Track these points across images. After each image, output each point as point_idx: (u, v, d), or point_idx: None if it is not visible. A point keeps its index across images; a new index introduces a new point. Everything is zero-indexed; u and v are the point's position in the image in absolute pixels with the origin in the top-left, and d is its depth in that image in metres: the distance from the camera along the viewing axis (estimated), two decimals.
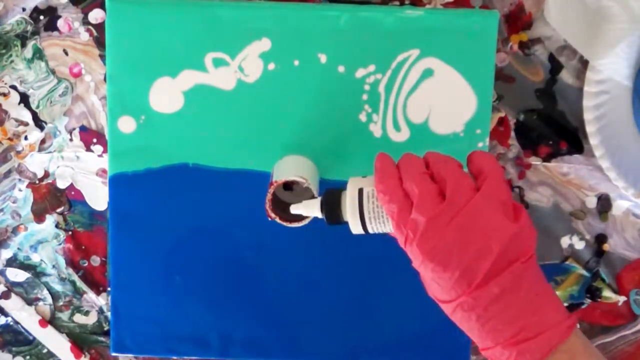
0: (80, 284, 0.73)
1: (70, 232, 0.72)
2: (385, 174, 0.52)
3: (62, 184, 0.71)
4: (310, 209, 0.56)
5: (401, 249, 0.70)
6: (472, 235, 0.48)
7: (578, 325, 0.50)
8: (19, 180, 0.71)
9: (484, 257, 0.48)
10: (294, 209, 0.57)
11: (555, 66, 0.69)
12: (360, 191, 0.53)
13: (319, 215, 0.56)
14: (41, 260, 0.73)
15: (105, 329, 0.74)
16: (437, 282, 0.50)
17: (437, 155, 0.53)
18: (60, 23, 0.69)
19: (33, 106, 0.70)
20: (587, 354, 0.49)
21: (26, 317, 0.74)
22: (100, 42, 0.69)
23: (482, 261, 0.48)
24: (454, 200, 0.49)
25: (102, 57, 0.69)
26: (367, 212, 0.53)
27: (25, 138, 0.71)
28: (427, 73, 0.66)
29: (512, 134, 0.70)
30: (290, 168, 0.64)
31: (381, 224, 0.53)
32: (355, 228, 0.54)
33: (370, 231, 0.54)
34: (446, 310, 0.51)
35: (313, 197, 0.61)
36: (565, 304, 0.73)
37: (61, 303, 0.74)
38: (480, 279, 0.48)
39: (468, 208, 0.49)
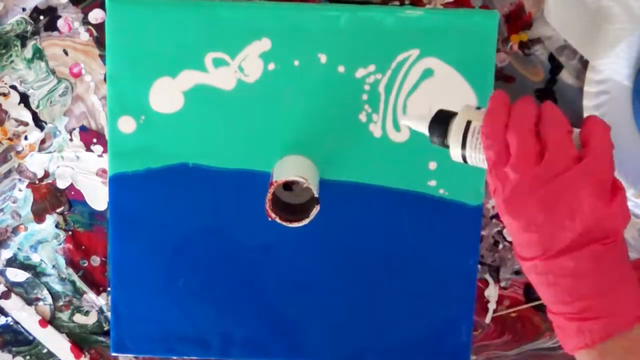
0: (80, 284, 0.73)
1: (70, 232, 0.72)
2: (494, 118, 0.50)
3: (62, 184, 0.71)
4: (419, 124, 0.55)
5: (401, 249, 0.70)
6: (557, 209, 0.47)
7: None
8: (19, 180, 0.71)
9: (564, 232, 0.47)
10: (404, 120, 0.57)
11: (555, 66, 0.69)
12: (468, 123, 0.52)
13: (425, 132, 0.55)
14: (41, 260, 0.73)
15: (105, 329, 0.74)
16: (515, 237, 0.50)
17: (551, 112, 0.50)
18: (60, 23, 0.69)
19: (33, 106, 0.70)
20: None
21: (26, 317, 0.74)
22: (100, 42, 0.69)
23: (561, 235, 0.47)
24: (549, 167, 0.47)
25: (102, 57, 0.69)
26: (469, 146, 0.52)
27: (25, 138, 0.71)
28: (427, 73, 0.66)
29: None
30: (290, 168, 0.64)
31: (479, 161, 0.52)
32: (455, 156, 0.53)
33: (469, 163, 0.53)
34: (521, 265, 0.51)
35: (313, 197, 0.61)
36: None
37: (61, 303, 0.74)
38: (556, 250, 0.48)
39: (561, 179, 0.47)
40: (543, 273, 0.49)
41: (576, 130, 0.50)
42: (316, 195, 0.61)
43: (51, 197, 0.72)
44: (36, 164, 0.71)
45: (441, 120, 0.54)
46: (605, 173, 0.48)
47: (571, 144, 0.48)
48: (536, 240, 0.48)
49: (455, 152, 0.53)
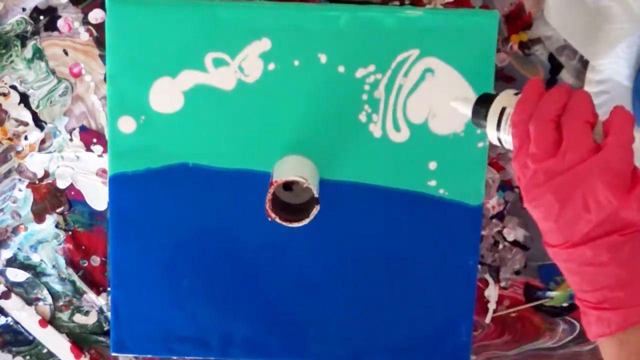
0: (80, 284, 0.73)
1: (70, 232, 0.72)
2: (523, 107, 0.51)
3: (62, 184, 0.71)
4: (465, 107, 0.58)
5: (401, 249, 0.70)
6: (572, 200, 0.48)
7: None
8: (19, 180, 0.71)
9: (581, 223, 0.48)
10: (453, 102, 0.59)
11: (555, 66, 0.69)
12: (503, 109, 0.54)
13: (469, 114, 0.57)
14: (41, 260, 0.73)
15: (105, 329, 0.74)
16: (539, 224, 0.50)
17: (576, 102, 0.50)
18: (60, 23, 0.69)
19: (33, 106, 0.70)
20: None
21: (26, 317, 0.74)
22: (100, 42, 0.69)
23: (578, 226, 0.48)
24: (564, 158, 0.48)
25: (102, 57, 0.69)
26: (503, 130, 0.54)
27: (25, 138, 0.71)
28: (427, 73, 0.66)
29: None
30: (290, 168, 0.64)
31: (512, 146, 0.54)
32: (492, 138, 0.55)
33: (505, 145, 0.55)
34: (545, 247, 0.51)
35: (313, 197, 0.61)
36: (566, 304, 0.73)
37: (61, 303, 0.74)
38: (575, 240, 0.48)
39: (575, 171, 0.48)
40: (566, 261, 0.50)
41: (600, 121, 0.50)
42: (316, 195, 0.61)
43: (51, 197, 0.72)
44: (36, 164, 0.71)
45: (482, 104, 0.56)
46: (622, 164, 0.47)
47: (588, 135, 0.48)
48: (556, 229, 0.49)
49: (492, 135, 0.55)
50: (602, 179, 0.47)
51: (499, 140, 0.55)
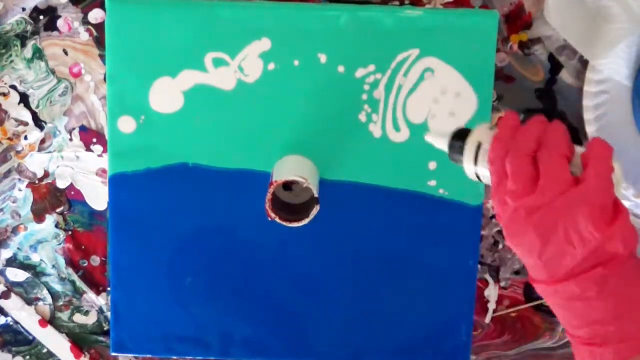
0: (80, 284, 0.73)
1: (70, 232, 0.72)
2: (499, 143, 0.50)
3: (62, 184, 0.71)
4: (441, 142, 0.56)
5: (401, 249, 0.70)
6: (555, 235, 0.47)
7: None
8: (19, 180, 0.71)
9: (565, 258, 0.47)
10: (428, 137, 0.58)
11: (555, 66, 0.69)
12: (479, 146, 0.53)
13: (445, 149, 0.56)
14: (41, 260, 0.73)
15: (105, 329, 0.74)
16: (522, 261, 0.50)
17: (552, 135, 0.49)
18: (60, 23, 0.69)
19: (33, 106, 0.70)
20: None
21: (26, 317, 0.74)
22: (100, 42, 0.69)
23: (563, 261, 0.47)
24: (543, 193, 0.47)
25: (102, 57, 0.69)
26: (481, 165, 0.53)
27: (25, 138, 0.71)
28: (427, 73, 0.66)
29: None
30: (290, 168, 0.64)
31: (490, 182, 0.53)
32: (470, 174, 0.54)
33: (483, 181, 0.54)
34: (532, 284, 0.51)
35: (313, 197, 0.61)
36: None
37: (61, 303, 0.74)
38: (561, 275, 0.48)
39: (555, 205, 0.47)
40: (553, 296, 0.49)
41: (579, 151, 0.49)
42: (316, 195, 0.61)
43: (51, 197, 0.72)
44: (36, 164, 0.71)
45: (458, 139, 0.54)
46: (603, 196, 0.46)
47: (566, 169, 0.48)
48: (540, 265, 0.48)
49: (469, 170, 0.54)
50: (584, 213, 0.46)
51: (477, 175, 0.54)
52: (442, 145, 0.56)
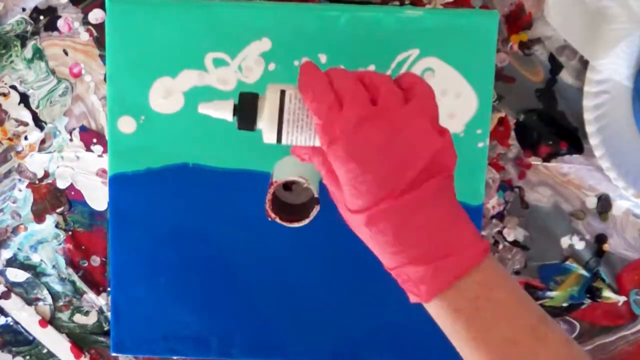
0: (80, 284, 0.73)
1: (70, 232, 0.72)
2: (313, 75, 0.50)
3: (62, 184, 0.71)
4: (221, 110, 0.52)
5: None
6: (400, 143, 0.47)
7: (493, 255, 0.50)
8: (19, 180, 0.71)
9: (410, 165, 0.47)
10: (202, 108, 0.52)
11: (555, 66, 0.69)
12: (283, 92, 0.50)
13: (229, 118, 0.52)
14: (41, 260, 0.73)
15: (105, 329, 0.74)
16: (355, 186, 0.48)
17: (368, 71, 0.51)
18: (60, 23, 0.69)
19: (33, 106, 0.70)
20: (505, 290, 0.48)
21: (26, 317, 0.74)
22: (100, 42, 0.69)
23: (407, 169, 0.47)
24: (387, 104, 0.48)
25: (102, 57, 0.69)
26: (287, 114, 0.50)
27: (25, 138, 0.71)
28: (427, 72, 0.66)
29: (512, 134, 0.70)
30: (290, 168, 0.64)
31: (299, 130, 0.51)
32: (269, 134, 0.51)
33: (284, 140, 0.51)
34: (357, 222, 0.49)
35: (313, 197, 0.61)
36: (565, 304, 0.73)
37: (61, 303, 0.74)
38: (404, 185, 0.47)
39: (400, 113, 0.48)
40: (389, 217, 0.47)
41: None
42: (316, 195, 0.61)
43: (51, 197, 0.72)
44: (36, 164, 0.71)
45: (247, 100, 0.51)
46: (435, 110, 0.49)
47: (398, 89, 0.49)
48: (382, 177, 0.47)
49: (270, 126, 0.51)
50: (424, 120, 0.48)
51: (280, 130, 0.50)
52: (224, 111, 0.52)
